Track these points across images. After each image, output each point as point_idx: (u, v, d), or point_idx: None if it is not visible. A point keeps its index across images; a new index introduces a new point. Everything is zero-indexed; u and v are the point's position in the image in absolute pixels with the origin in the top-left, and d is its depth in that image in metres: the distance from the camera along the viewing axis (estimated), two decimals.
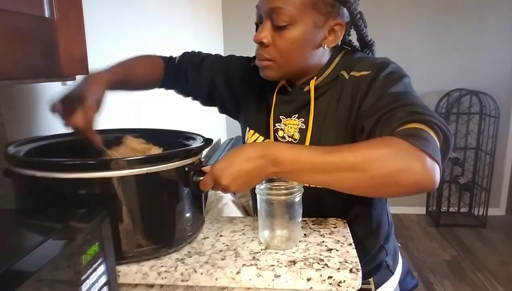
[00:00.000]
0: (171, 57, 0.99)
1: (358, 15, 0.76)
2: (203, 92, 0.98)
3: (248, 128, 0.92)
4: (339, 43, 0.82)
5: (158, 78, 0.96)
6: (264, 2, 0.73)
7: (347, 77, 0.77)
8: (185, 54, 1.00)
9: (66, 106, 0.70)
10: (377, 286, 0.88)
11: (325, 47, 0.76)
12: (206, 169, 0.68)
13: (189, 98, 1.02)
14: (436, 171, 0.58)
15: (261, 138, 0.89)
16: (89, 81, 0.74)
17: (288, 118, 0.83)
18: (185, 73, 0.96)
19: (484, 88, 3.14)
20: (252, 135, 0.90)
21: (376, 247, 0.88)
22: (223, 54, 1.01)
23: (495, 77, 3.23)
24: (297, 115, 0.82)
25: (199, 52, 1.01)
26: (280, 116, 0.84)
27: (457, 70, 3.25)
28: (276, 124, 0.85)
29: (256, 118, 0.90)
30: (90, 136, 0.71)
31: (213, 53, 1.02)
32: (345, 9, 0.74)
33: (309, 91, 0.80)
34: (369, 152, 0.59)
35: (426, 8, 3.17)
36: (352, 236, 0.75)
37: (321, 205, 0.83)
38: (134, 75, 0.89)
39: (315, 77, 0.79)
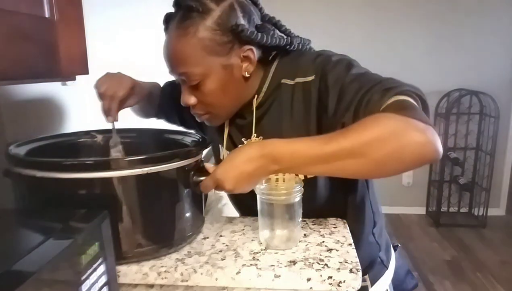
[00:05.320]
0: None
1: (257, 33, 0.71)
2: (175, 120, 1.03)
3: (221, 147, 0.89)
4: (271, 53, 0.79)
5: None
6: (172, 72, 0.75)
7: (292, 83, 0.75)
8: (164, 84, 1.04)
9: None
10: (372, 282, 0.88)
11: (246, 74, 0.75)
12: (208, 167, 0.68)
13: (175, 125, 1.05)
14: (435, 138, 0.57)
15: None
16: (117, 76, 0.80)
17: (249, 139, 0.82)
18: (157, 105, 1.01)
19: (484, 88, 3.14)
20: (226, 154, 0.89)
21: (365, 236, 0.86)
22: None
23: (495, 77, 3.23)
24: (256, 134, 0.81)
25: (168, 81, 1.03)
26: (242, 139, 0.84)
27: (457, 70, 3.25)
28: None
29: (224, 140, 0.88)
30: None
31: None
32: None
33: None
34: (364, 134, 0.57)
35: (426, 8, 3.17)
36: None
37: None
38: (153, 93, 0.95)
39: (255, 96, 0.78)
